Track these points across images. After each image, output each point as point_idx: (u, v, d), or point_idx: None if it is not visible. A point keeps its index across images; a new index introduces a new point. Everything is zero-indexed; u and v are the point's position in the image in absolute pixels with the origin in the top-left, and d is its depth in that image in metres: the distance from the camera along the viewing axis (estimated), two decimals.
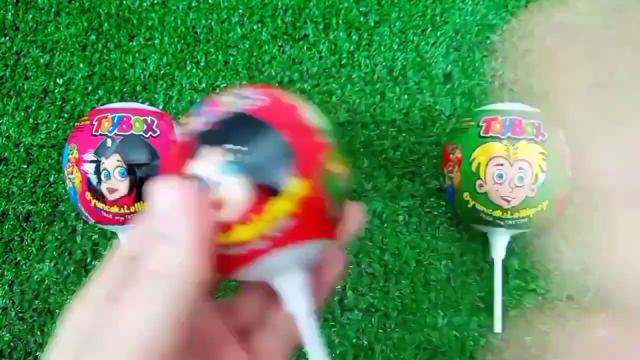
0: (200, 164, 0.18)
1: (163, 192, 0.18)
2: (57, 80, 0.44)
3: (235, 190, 0.18)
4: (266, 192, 0.18)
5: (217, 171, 0.18)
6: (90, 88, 0.44)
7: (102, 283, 0.18)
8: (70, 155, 0.36)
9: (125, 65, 0.45)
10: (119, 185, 0.35)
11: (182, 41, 0.45)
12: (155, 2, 0.46)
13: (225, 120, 0.19)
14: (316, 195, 0.19)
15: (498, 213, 0.35)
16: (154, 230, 0.17)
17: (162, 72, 0.45)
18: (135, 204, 0.35)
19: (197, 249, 0.17)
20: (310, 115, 0.20)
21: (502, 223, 0.36)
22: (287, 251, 0.19)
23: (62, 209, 0.42)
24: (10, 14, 0.45)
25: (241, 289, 0.25)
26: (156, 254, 0.17)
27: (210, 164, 0.18)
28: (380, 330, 0.40)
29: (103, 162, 0.35)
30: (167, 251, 0.17)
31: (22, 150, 0.43)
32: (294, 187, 0.18)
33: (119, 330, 0.16)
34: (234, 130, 0.18)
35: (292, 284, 0.20)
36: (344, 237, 0.22)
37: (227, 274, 0.20)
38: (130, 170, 0.35)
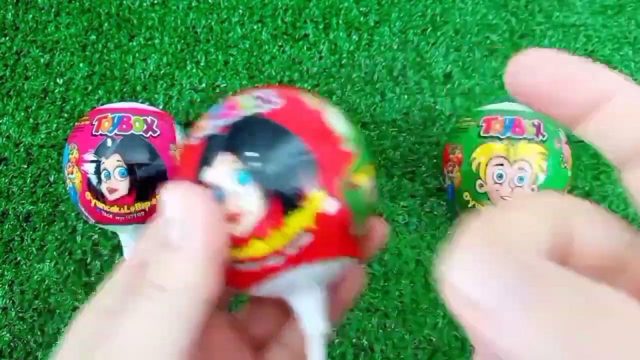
0: (215, 172, 0.17)
1: (175, 198, 0.16)
2: (57, 80, 0.44)
3: (250, 202, 0.16)
4: (284, 205, 0.16)
5: (233, 180, 0.16)
6: (90, 88, 0.44)
7: (106, 293, 0.17)
8: (70, 155, 0.36)
9: (125, 65, 0.45)
10: (119, 185, 0.35)
11: (182, 41, 0.45)
12: (155, 2, 0.46)
13: (242, 124, 0.17)
14: (338, 210, 0.17)
15: None
16: (162, 238, 0.16)
17: (162, 72, 0.45)
18: (136, 204, 0.35)
19: (205, 263, 0.16)
20: (336, 121, 0.19)
21: None
22: (304, 269, 0.17)
23: (62, 209, 0.42)
24: (10, 14, 0.45)
25: (257, 302, 0.24)
26: (161, 265, 0.16)
27: (226, 172, 0.17)
28: (380, 330, 0.40)
29: (103, 162, 0.35)
30: (173, 263, 0.16)
31: (22, 150, 0.43)
32: (314, 200, 0.16)
33: (114, 347, 0.15)
34: (250, 136, 0.17)
35: (307, 303, 0.19)
36: (367, 254, 0.20)
37: (240, 289, 0.19)
38: (131, 170, 0.35)
